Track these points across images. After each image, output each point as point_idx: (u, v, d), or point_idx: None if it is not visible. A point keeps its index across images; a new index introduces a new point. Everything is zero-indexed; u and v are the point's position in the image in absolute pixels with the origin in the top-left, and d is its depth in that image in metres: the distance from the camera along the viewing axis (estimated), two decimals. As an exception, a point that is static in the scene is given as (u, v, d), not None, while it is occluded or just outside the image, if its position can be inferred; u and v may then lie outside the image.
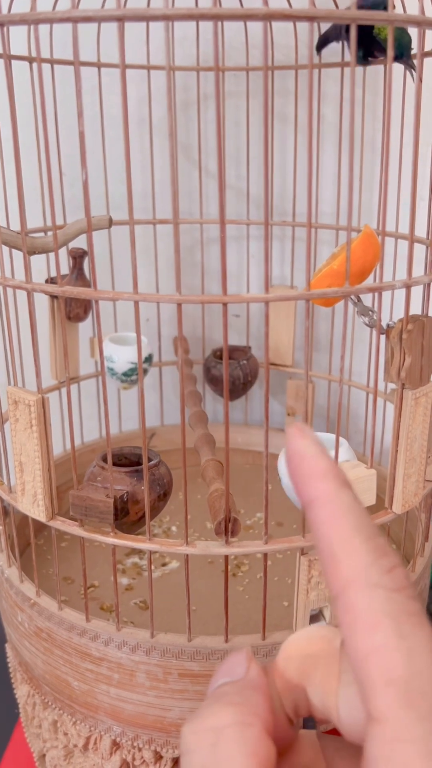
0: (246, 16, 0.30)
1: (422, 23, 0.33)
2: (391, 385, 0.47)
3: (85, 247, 0.59)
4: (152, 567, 0.55)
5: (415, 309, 0.39)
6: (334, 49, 0.63)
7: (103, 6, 0.59)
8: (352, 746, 0.20)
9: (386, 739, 0.17)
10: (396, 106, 0.58)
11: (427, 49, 0.48)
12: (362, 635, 0.18)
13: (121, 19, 0.29)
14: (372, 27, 0.49)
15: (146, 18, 0.30)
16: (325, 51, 0.63)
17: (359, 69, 0.61)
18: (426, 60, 0.47)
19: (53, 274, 0.61)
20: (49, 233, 0.58)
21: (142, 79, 0.65)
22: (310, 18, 0.29)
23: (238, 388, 0.68)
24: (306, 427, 0.21)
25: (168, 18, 0.29)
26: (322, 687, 0.21)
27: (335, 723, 0.20)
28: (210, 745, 0.18)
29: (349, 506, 0.19)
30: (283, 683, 0.21)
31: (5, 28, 0.33)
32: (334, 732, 0.22)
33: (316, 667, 0.21)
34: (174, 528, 0.61)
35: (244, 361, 0.68)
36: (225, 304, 0.32)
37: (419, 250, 0.47)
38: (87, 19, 0.30)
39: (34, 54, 0.55)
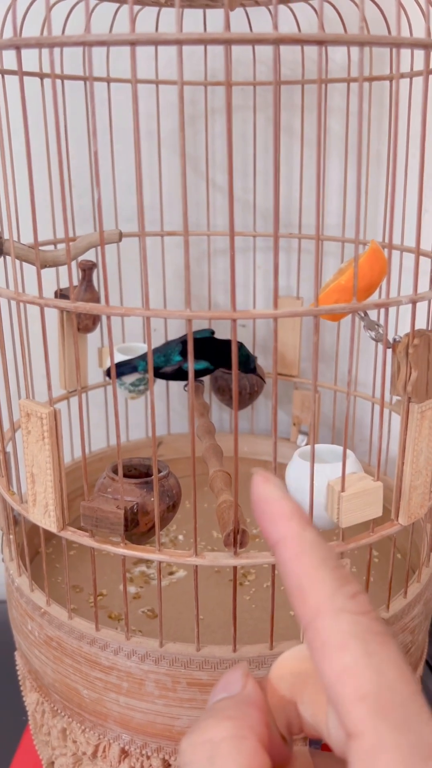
0: (256, 41, 0.30)
1: (429, 46, 0.33)
2: (396, 396, 0.47)
3: (93, 259, 0.60)
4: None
5: (421, 323, 0.40)
6: (340, 64, 0.64)
7: (112, 24, 0.60)
8: (344, 762, 0.21)
9: (365, 751, 0.17)
10: (402, 121, 0.58)
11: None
12: (332, 657, 0.19)
13: (134, 44, 0.30)
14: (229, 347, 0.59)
15: (158, 42, 0.30)
16: (331, 65, 0.64)
17: (365, 83, 0.62)
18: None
19: (62, 285, 0.61)
20: (59, 246, 0.58)
21: (150, 93, 0.65)
22: (319, 42, 0.30)
23: (245, 398, 0.68)
24: (270, 474, 0.22)
25: (180, 42, 0.30)
26: (312, 703, 0.22)
27: (326, 738, 0.21)
28: (207, 758, 0.19)
29: (313, 543, 0.21)
30: (276, 701, 0.22)
31: (20, 51, 0.33)
32: (326, 749, 0.22)
33: (306, 685, 0.22)
34: (181, 537, 0.62)
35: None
36: (234, 320, 0.33)
37: (425, 263, 0.48)
38: (101, 44, 0.31)
39: (44, 70, 0.56)
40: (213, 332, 0.63)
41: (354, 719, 0.18)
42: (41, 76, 0.56)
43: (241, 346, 0.63)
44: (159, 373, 0.61)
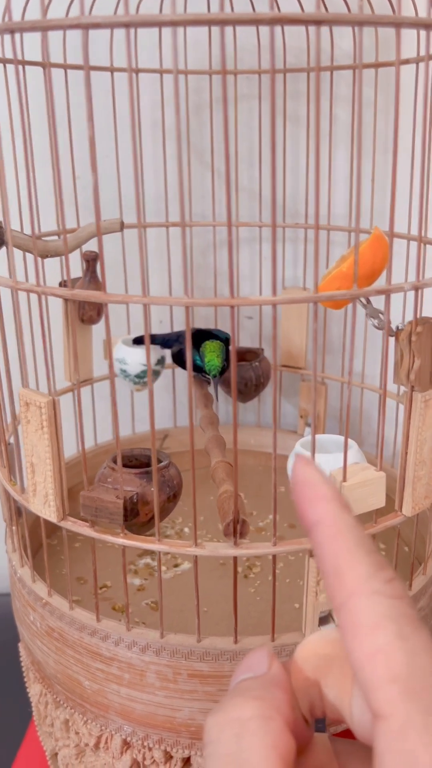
0: (253, 21, 0.30)
1: (430, 25, 0.33)
2: (404, 387, 0.47)
3: (96, 250, 0.60)
4: (164, 568, 0.55)
5: (424, 311, 0.39)
6: (346, 52, 0.63)
7: (116, 11, 0.60)
8: (365, 748, 0.21)
9: (392, 732, 0.17)
10: (408, 108, 0.58)
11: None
12: (364, 637, 0.19)
13: (128, 26, 0.30)
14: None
15: (153, 24, 0.30)
16: (337, 52, 0.64)
17: (372, 70, 0.61)
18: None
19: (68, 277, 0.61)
20: (61, 237, 0.58)
21: (154, 83, 0.65)
22: (317, 22, 0.29)
23: (251, 389, 0.68)
24: (310, 458, 0.22)
25: (175, 24, 0.29)
26: (336, 686, 0.22)
27: (348, 722, 0.21)
28: (234, 736, 0.19)
29: (350, 526, 0.21)
30: (300, 682, 0.22)
31: (15, 36, 0.33)
32: (348, 735, 0.22)
33: (331, 667, 0.22)
34: (187, 529, 0.61)
35: (257, 363, 0.68)
36: (234, 307, 0.33)
37: (429, 251, 0.47)
38: (96, 26, 0.30)
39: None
40: (228, 337, 0.62)
41: (383, 700, 0.18)
42: (43, 65, 0.56)
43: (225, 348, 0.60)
44: (165, 346, 0.64)
